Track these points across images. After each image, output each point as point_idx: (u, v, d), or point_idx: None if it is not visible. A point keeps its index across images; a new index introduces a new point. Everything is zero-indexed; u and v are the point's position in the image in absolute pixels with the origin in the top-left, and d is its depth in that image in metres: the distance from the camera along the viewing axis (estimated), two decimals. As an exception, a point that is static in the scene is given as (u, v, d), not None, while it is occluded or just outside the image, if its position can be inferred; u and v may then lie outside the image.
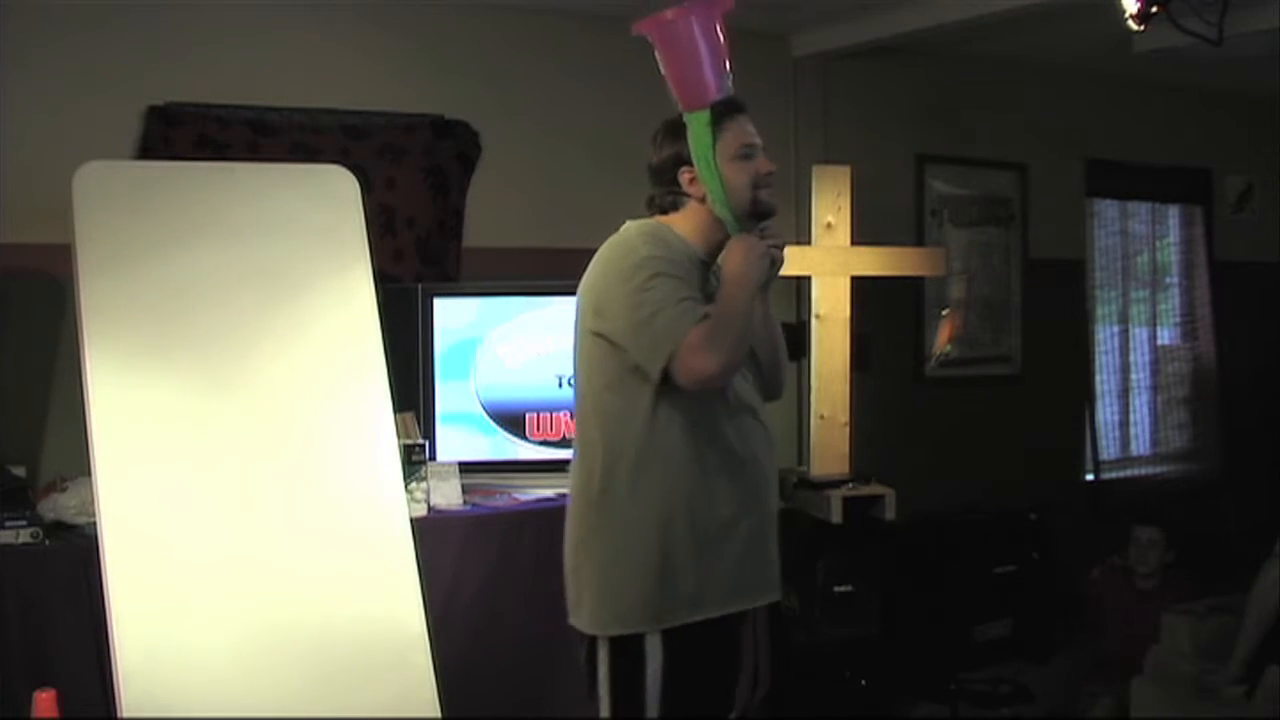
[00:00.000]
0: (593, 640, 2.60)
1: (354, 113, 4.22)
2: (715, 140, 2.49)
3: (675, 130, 2.56)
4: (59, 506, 3.39)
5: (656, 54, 2.49)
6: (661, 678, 2.53)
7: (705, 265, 2.64)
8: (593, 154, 4.70)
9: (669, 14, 2.45)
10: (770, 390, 2.74)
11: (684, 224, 2.62)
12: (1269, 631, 3.83)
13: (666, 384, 2.48)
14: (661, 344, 2.44)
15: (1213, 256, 6.51)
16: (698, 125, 2.48)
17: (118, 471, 3.03)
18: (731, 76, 2.51)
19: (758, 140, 2.59)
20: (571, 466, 2.66)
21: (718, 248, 2.62)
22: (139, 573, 2.97)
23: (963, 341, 5.64)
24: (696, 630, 2.55)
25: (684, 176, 2.59)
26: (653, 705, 2.54)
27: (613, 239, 2.64)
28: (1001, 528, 5.23)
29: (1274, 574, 3.89)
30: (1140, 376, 6.43)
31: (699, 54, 2.44)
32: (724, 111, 2.51)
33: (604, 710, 2.58)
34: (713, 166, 2.49)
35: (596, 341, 2.55)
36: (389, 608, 3.21)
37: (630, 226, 2.64)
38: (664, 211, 2.66)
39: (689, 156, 2.53)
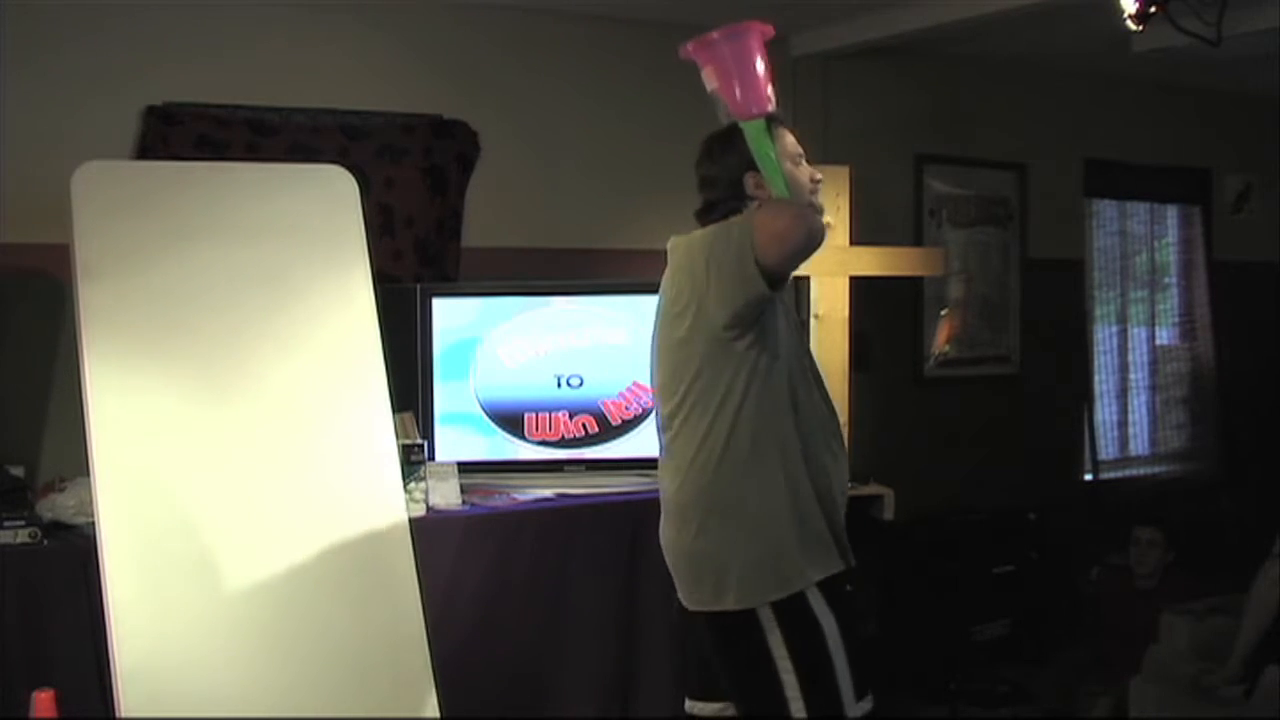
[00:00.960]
0: (747, 616, 2.62)
1: (353, 113, 4.22)
2: (774, 145, 2.65)
3: (728, 141, 2.71)
4: (57, 506, 3.38)
5: (706, 70, 2.67)
6: (837, 628, 2.62)
7: None
8: (591, 154, 4.71)
9: (716, 35, 2.63)
10: None
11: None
12: (1268, 631, 3.83)
13: (759, 330, 2.61)
14: (745, 253, 2.53)
15: (1211, 256, 6.52)
16: (757, 131, 2.64)
17: (117, 471, 3.03)
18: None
19: (799, 149, 2.78)
20: (669, 467, 2.73)
21: None
22: (138, 573, 2.97)
23: (962, 341, 5.64)
24: (840, 580, 2.67)
25: (750, 180, 2.71)
26: (838, 656, 2.62)
27: (685, 249, 2.71)
28: (1001, 528, 5.23)
29: (1273, 573, 3.89)
30: (1139, 376, 6.44)
31: (755, 69, 2.64)
32: (774, 121, 2.68)
33: (789, 675, 2.60)
34: (778, 167, 2.65)
35: (698, 334, 2.63)
36: (387, 608, 3.21)
37: (694, 233, 2.73)
38: (725, 218, 2.72)
39: (751, 162, 2.67)
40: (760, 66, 2.64)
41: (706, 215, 2.77)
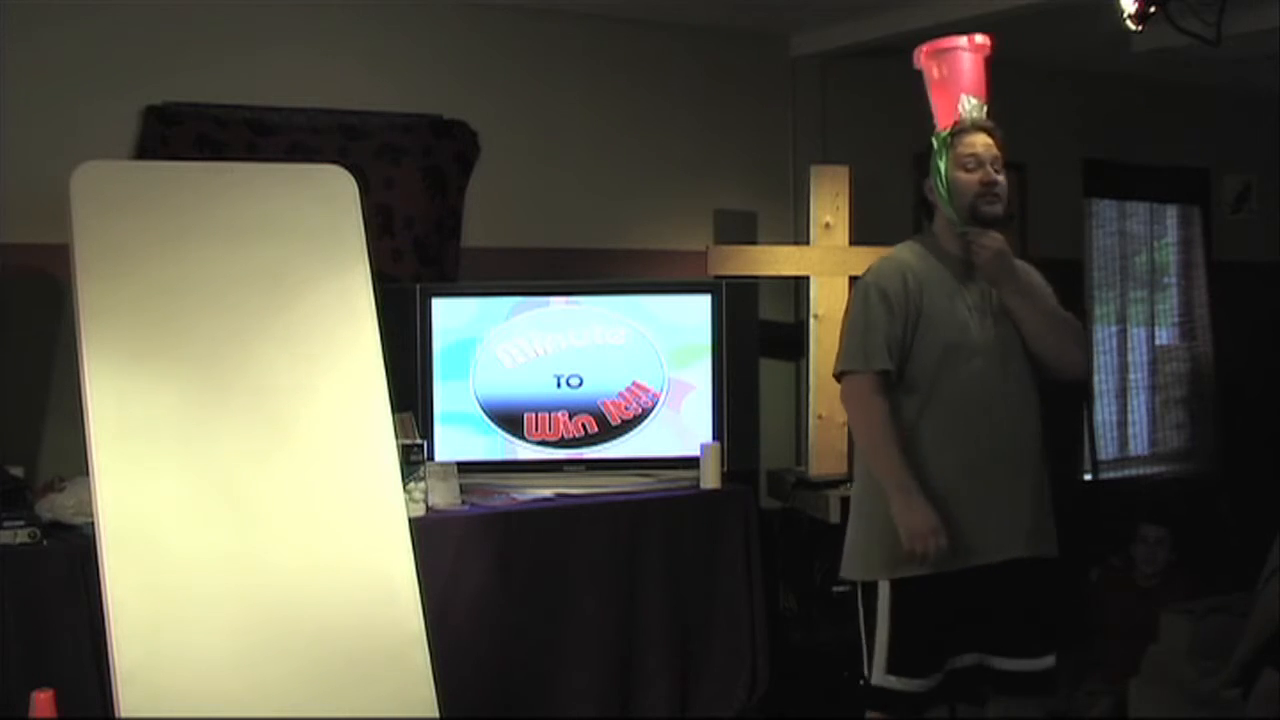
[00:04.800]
0: None
1: (352, 113, 4.22)
2: (948, 154, 3.02)
3: (928, 152, 3.11)
4: (57, 506, 3.39)
5: (927, 82, 3.17)
6: None
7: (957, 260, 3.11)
8: (591, 154, 4.71)
9: (925, 50, 3.14)
10: None
11: (939, 226, 3.16)
12: (1270, 638, 3.81)
13: None
14: None
15: (1211, 256, 6.51)
16: (936, 142, 3.07)
17: (116, 471, 3.03)
18: (985, 106, 3.13)
19: (979, 152, 3.03)
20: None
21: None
22: (137, 573, 2.97)
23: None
24: None
25: (926, 186, 3.12)
26: None
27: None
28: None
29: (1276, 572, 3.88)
30: (1138, 376, 6.43)
31: (936, 86, 3.12)
32: (960, 130, 3.04)
33: None
34: (941, 176, 3.03)
35: None
36: (387, 608, 3.21)
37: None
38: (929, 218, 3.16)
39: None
40: (959, 84, 3.04)
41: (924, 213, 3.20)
